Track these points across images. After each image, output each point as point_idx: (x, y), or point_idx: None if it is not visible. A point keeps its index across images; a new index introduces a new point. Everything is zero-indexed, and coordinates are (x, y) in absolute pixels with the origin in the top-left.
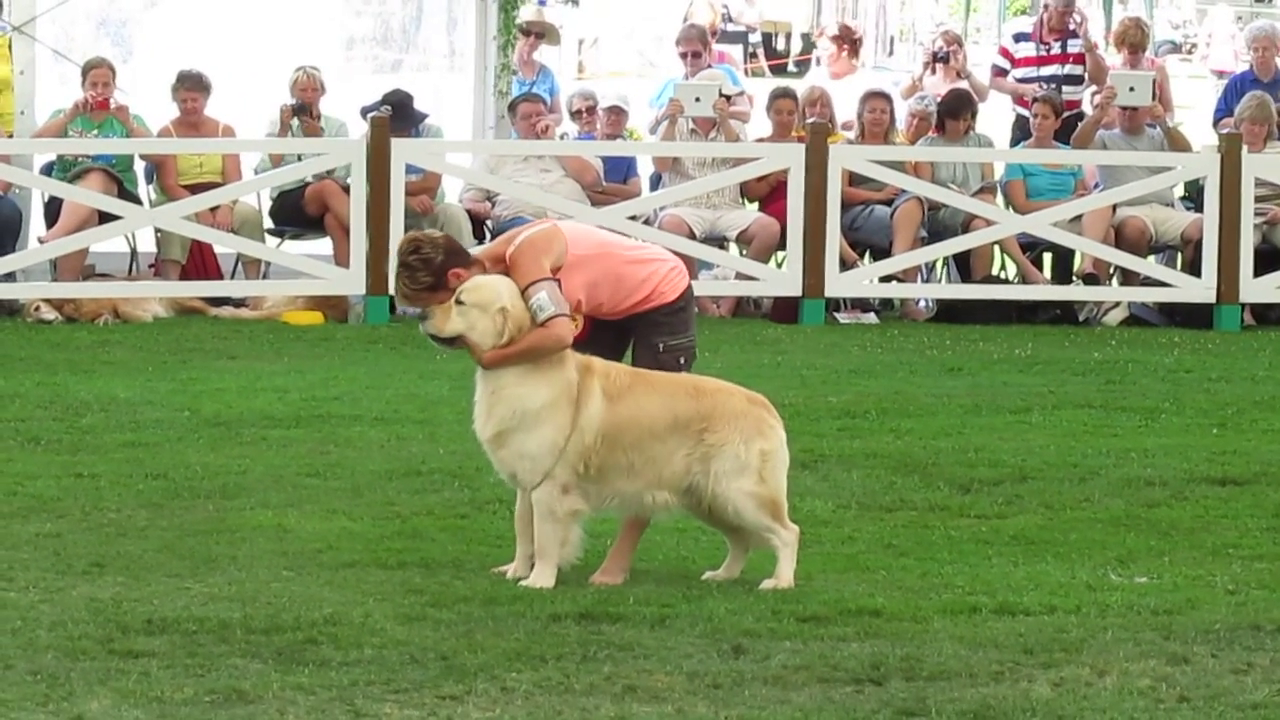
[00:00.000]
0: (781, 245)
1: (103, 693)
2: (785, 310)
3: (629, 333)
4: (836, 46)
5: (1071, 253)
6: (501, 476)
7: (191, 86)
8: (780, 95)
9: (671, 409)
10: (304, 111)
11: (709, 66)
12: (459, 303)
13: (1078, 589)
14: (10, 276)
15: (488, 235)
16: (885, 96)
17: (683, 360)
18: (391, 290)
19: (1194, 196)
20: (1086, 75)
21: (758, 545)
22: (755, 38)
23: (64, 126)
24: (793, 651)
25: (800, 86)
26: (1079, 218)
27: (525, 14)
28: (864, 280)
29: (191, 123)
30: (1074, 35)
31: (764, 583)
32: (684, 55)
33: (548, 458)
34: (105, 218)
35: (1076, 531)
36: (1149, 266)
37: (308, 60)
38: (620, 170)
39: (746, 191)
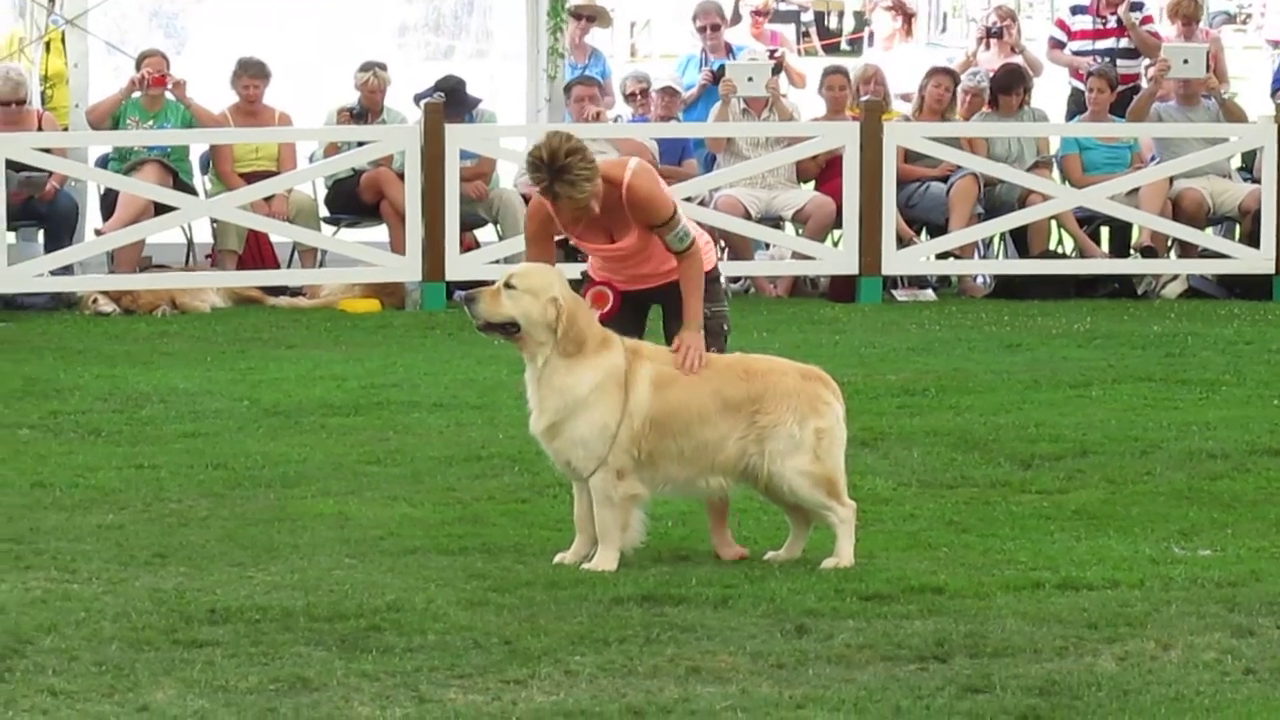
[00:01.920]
0: (837, 224)
1: (168, 683)
2: (842, 289)
3: (645, 309)
4: (891, 17)
5: (1129, 226)
6: (559, 470)
7: (255, 74)
8: (833, 72)
9: (720, 393)
10: (362, 118)
11: (728, 43)
12: (509, 286)
13: (1141, 563)
14: (68, 269)
15: None
16: (950, 73)
17: (726, 327)
18: (445, 274)
19: (1251, 167)
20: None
21: (818, 523)
22: (808, 16)
23: (118, 105)
24: (856, 630)
25: (853, 65)
26: (1136, 191)
27: None
28: (921, 257)
29: (250, 111)
30: (1136, 6)
31: (825, 562)
32: (702, 30)
33: (600, 442)
34: (161, 209)
35: (1139, 505)
36: (1207, 238)
37: (360, 50)
38: (675, 152)
39: (801, 171)
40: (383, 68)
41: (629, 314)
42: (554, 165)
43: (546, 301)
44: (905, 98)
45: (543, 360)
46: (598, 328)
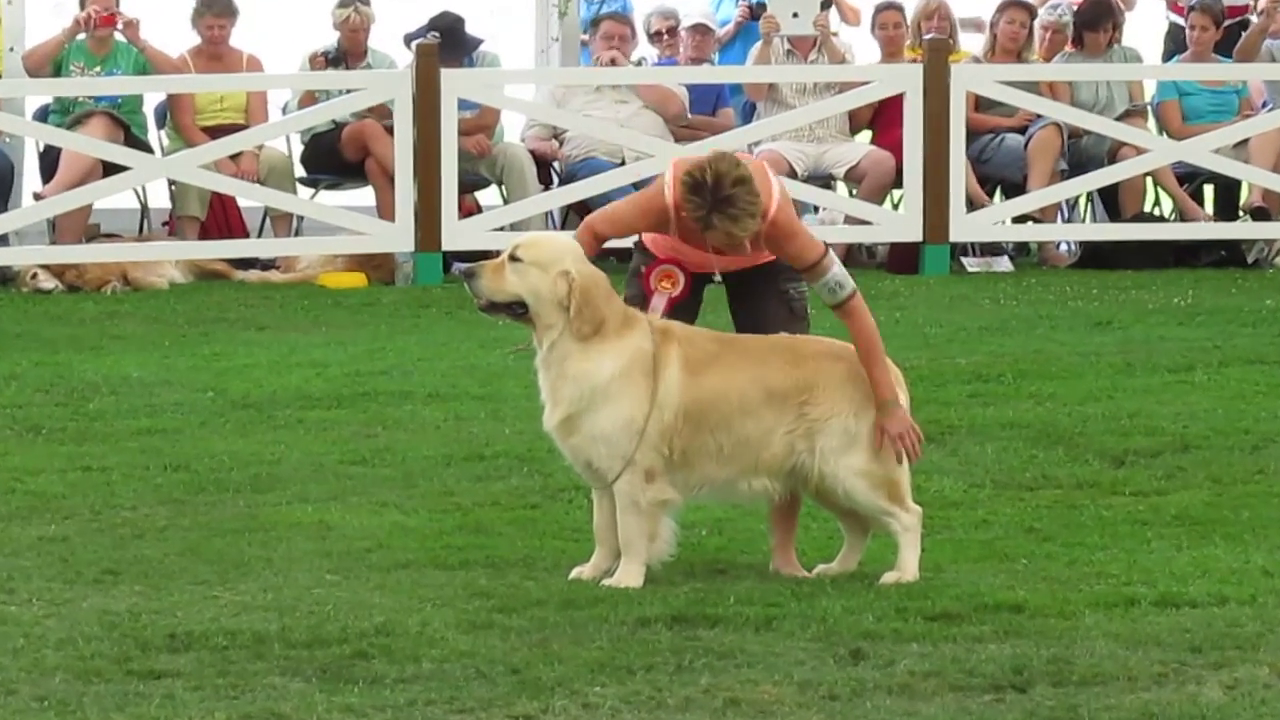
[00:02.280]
0: (898, 183)
1: None
2: (904, 258)
3: (700, 293)
4: None
5: (1237, 184)
6: (576, 471)
7: (220, 12)
8: (885, 8)
9: (764, 380)
10: (340, 63)
11: None
12: (514, 259)
13: (1252, 575)
14: (2, 240)
15: (555, 180)
16: (1026, 7)
17: (807, 306)
18: (452, 253)
19: None
20: None
21: (878, 531)
22: None
23: (60, 48)
24: (921, 655)
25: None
26: (1245, 143)
27: None
28: (995, 221)
29: (214, 54)
30: None
31: (885, 576)
32: None
33: (625, 439)
34: (111, 169)
35: (1249, 509)
36: None
37: None
38: (708, 100)
39: (855, 121)
40: (365, 2)
41: (687, 299)
42: (718, 194)
43: (556, 275)
44: (976, 25)
45: (555, 344)
46: (619, 305)
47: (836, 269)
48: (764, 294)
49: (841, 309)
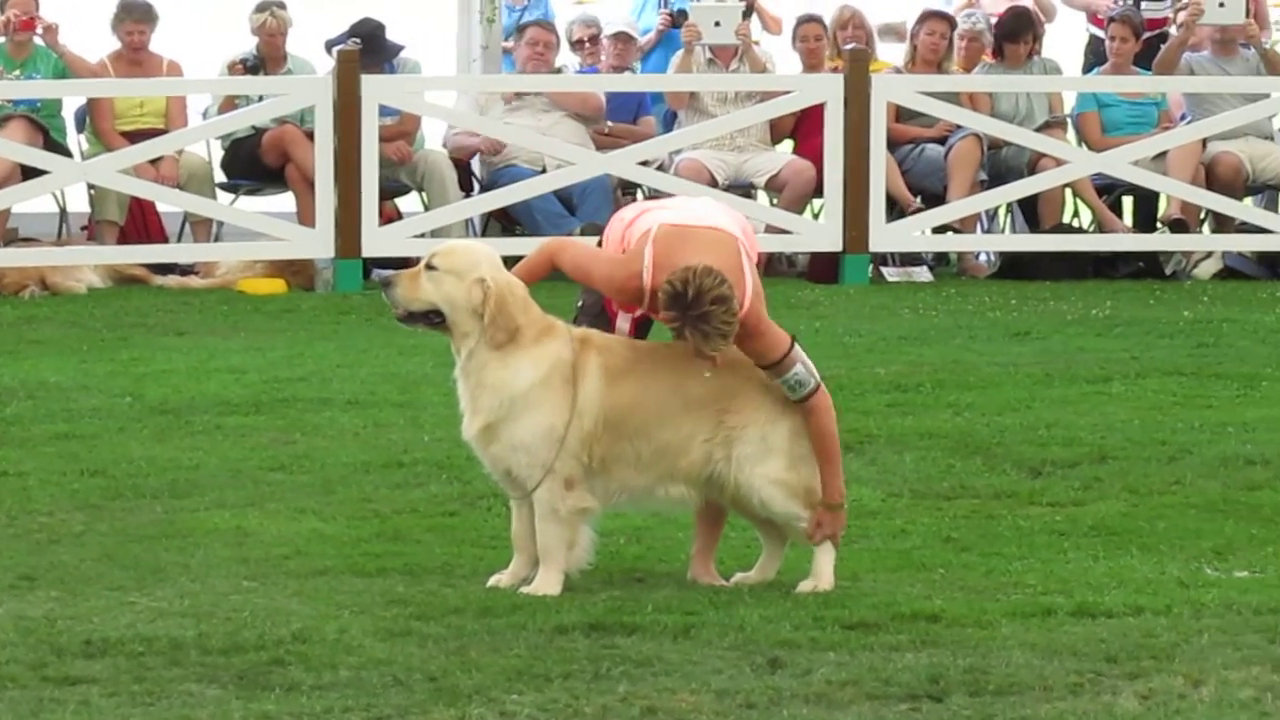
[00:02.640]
0: (818, 192)
1: None
2: (824, 268)
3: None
4: None
5: (1155, 195)
6: (495, 479)
7: (139, 18)
8: (805, 21)
9: (683, 389)
10: (258, 70)
11: None
12: (430, 268)
13: (1168, 586)
14: None
15: (475, 188)
16: (945, 18)
17: None
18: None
19: None
20: None
21: (795, 540)
22: None
23: None
24: (838, 664)
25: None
26: (1163, 155)
27: None
28: (915, 231)
29: (134, 59)
30: None
31: (801, 584)
32: None
33: (545, 447)
34: (29, 173)
35: (1165, 520)
36: (1245, 210)
37: None
38: (630, 108)
39: (776, 131)
40: (281, 6)
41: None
42: (696, 309)
43: (472, 284)
44: (895, 33)
45: (472, 353)
46: (537, 313)
47: (799, 367)
48: None
49: (802, 405)
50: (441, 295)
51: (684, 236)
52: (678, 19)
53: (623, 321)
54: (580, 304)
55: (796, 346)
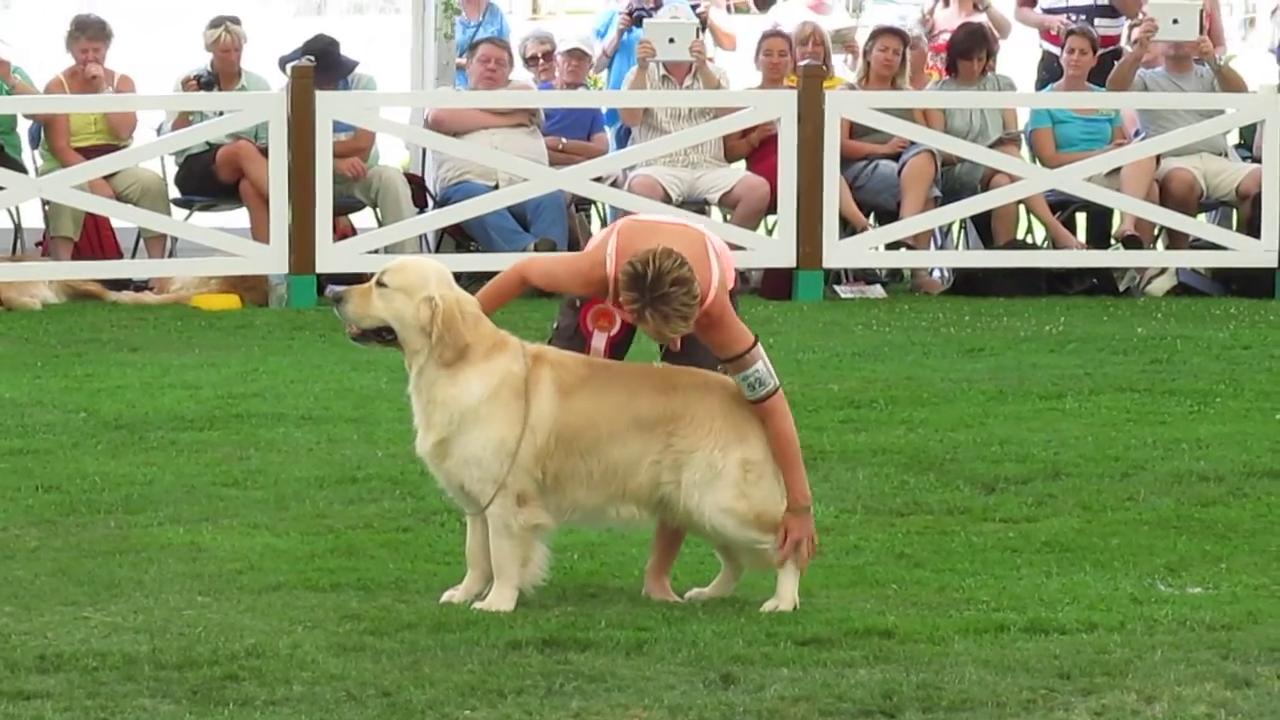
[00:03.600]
0: (772, 209)
1: None
2: (777, 284)
3: (635, 331)
4: None
5: (1109, 212)
6: (449, 495)
7: (93, 35)
8: (771, 35)
9: (632, 408)
10: (212, 86)
11: None
12: (380, 285)
13: (1121, 602)
14: None
15: (430, 203)
16: (899, 34)
17: None
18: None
19: (1250, 144)
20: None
21: (753, 565)
22: None
23: None
24: (791, 680)
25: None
26: (1117, 171)
27: None
28: (868, 247)
29: (88, 76)
30: None
31: (765, 605)
32: None
33: (496, 462)
34: None
35: (1119, 536)
36: (1199, 227)
37: (217, 5)
38: (583, 124)
39: (730, 148)
40: (235, 21)
41: (624, 334)
42: (655, 290)
43: (420, 301)
44: (845, 44)
45: (423, 370)
46: (489, 329)
47: (760, 365)
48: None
49: (760, 406)
50: (391, 312)
51: (649, 228)
52: (636, 16)
53: (598, 342)
54: (555, 325)
55: (759, 346)
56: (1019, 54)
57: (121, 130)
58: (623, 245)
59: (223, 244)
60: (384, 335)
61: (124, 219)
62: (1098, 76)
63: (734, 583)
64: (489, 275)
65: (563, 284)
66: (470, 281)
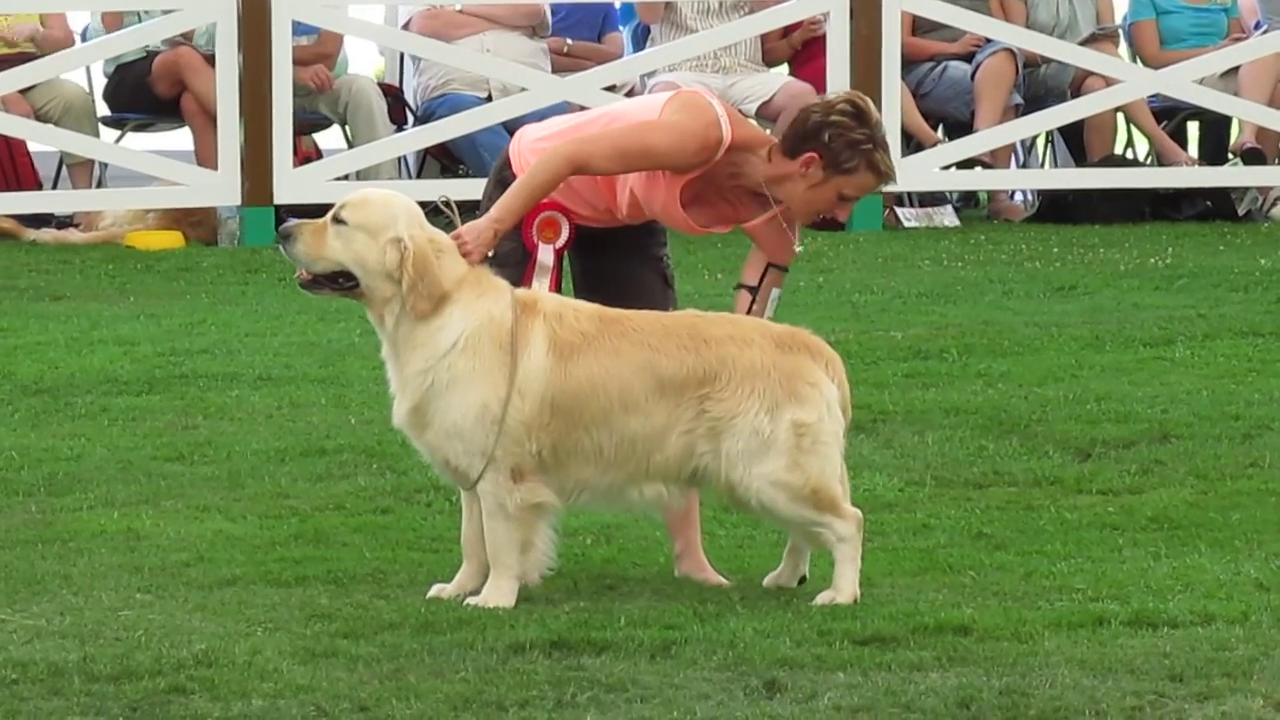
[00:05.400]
0: None
1: None
2: None
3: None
4: None
5: (1226, 121)
6: (438, 473)
7: None
8: None
9: (654, 368)
10: None
11: None
12: (338, 221)
13: (1244, 589)
14: None
15: (409, 118)
16: None
17: (670, 272)
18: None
19: None
20: None
21: (808, 547)
22: None
23: None
24: (849, 687)
25: None
26: (1235, 71)
27: None
28: (937, 166)
29: None
30: None
31: (819, 596)
32: None
33: (480, 430)
34: None
35: (1240, 510)
36: None
37: None
38: (593, 23)
39: (769, 51)
40: None
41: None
42: (880, 132)
43: (386, 243)
44: None
45: (394, 323)
46: (465, 270)
47: (777, 294)
48: (636, 259)
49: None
50: (351, 255)
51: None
52: None
53: (544, 255)
54: (491, 254)
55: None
56: None
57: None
58: (718, 107)
59: (162, 171)
60: (340, 281)
61: (42, 141)
62: None
63: (804, 562)
64: (480, 205)
65: (665, 158)
66: (461, 211)
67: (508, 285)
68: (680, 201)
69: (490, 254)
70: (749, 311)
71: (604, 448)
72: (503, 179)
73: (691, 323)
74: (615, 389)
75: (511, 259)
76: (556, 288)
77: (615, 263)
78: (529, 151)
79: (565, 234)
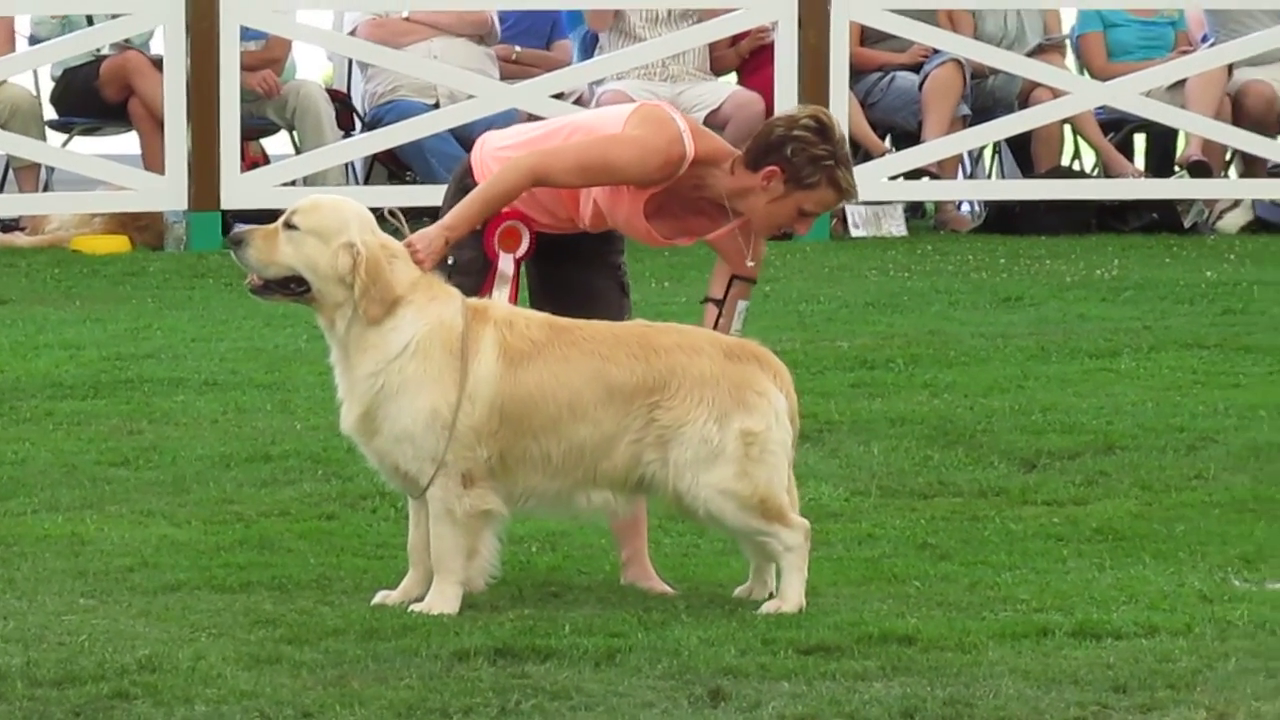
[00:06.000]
0: None
1: None
2: None
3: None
4: None
5: (1172, 133)
6: (387, 480)
7: None
8: None
9: (604, 376)
10: None
11: None
12: (290, 226)
13: (1187, 601)
14: None
15: (358, 126)
16: None
17: (627, 280)
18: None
19: None
20: None
21: (755, 559)
22: None
23: None
24: (793, 696)
25: None
26: (1181, 84)
27: None
28: (884, 177)
29: None
30: None
31: (764, 606)
32: None
33: (431, 435)
34: None
35: (1184, 522)
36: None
37: None
38: (541, 31)
39: (718, 59)
40: None
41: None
42: (842, 149)
43: (339, 248)
44: None
45: (345, 328)
46: (416, 277)
47: (743, 306)
48: (595, 267)
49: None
50: (303, 260)
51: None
52: None
53: (505, 264)
54: (451, 262)
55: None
56: None
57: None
58: (681, 122)
59: (108, 175)
60: (292, 287)
61: None
62: None
63: (772, 575)
64: (427, 211)
65: (620, 178)
66: (408, 218)
67: (458, 292)
68: (644, 214)
69: (450, 262)
70: (715, 324)
71: (552, 455)
72: (464, 186)
73: (641, 332)
74: (565, 396)
75: (472, 267)
76: (516, 297)
77: (574, 270)
78: (491, 159)
79: (526, 243)
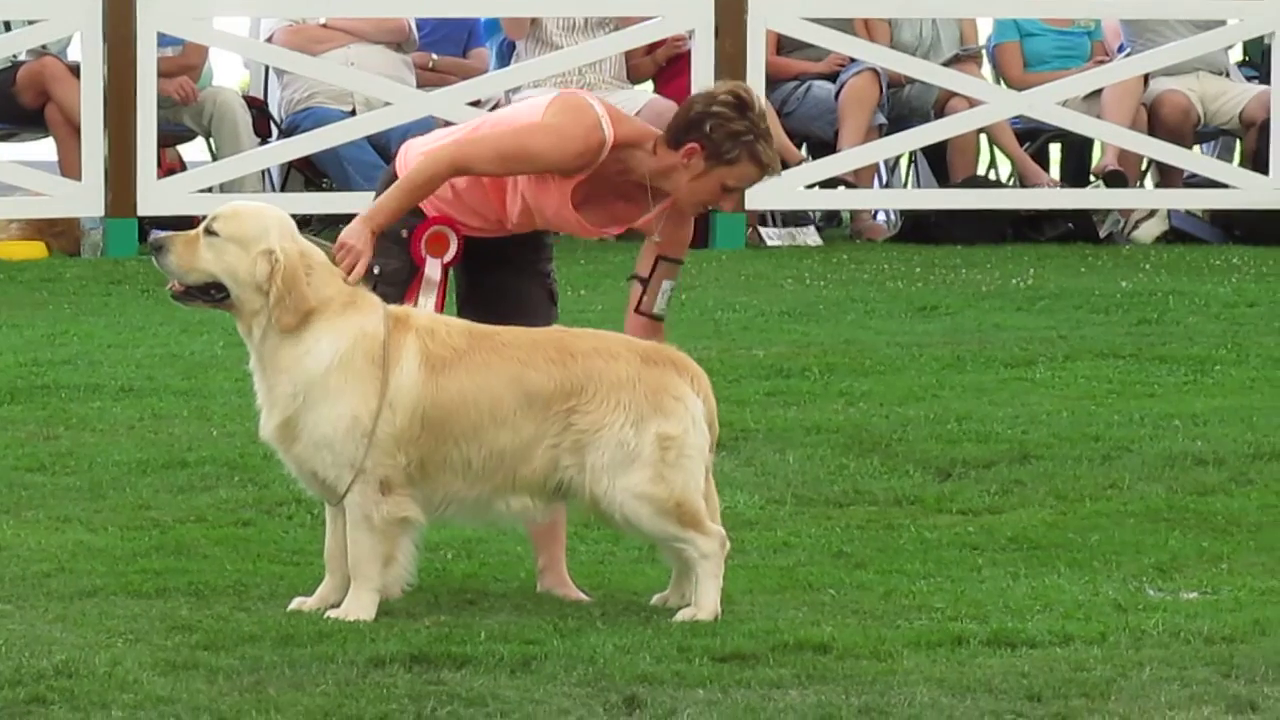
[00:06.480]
0: None
1: None
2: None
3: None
4: None
5: (1088, 143)
6: (305, 487)
7: None
8: None
9: (522, 382)
10: None
11: None
12: (210, 233)
13: (1102, 610)
14: None
15: (274, 132)
16: None
17: (555, 289)
18: (148, 215)
19: (1258, 61)
20: None
21: (672, 563)
22: None
23: None
24: (708, 704)
25: None
26: (1098, 94)
27: None
28: (800, 185)
29: None
30: None
31: (679, 614)
32: None
33: (350, 442)
34: None
35: (1099, 531)
36: (1195, 160)
37: None
38: (458, 39)
39: (634, 68)
40: None
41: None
42: (762, 123)
43: (258, 254)
44: None
45: (262, 336)
46: (338, 288)
47: (669, 285)
48: (524, 274)
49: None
50: (222, 267)
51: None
52: None
53: (432, 270)
54: (378, 270)
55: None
56: None
57: None
58: (599, 108)
59: (25, 180)
60: (212, 293)
61: None
62: None
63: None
64: (344, 217)
65: (540, 165)
66: (323, 226)
67: (380, 301)
68: (572, 203)
69: (376, 271)
70: (639, 302)
71: (472, 461)
72: None
73: (559, 337)
74: (486, 403)
75: (397, 278)
76: (443, 304)
77: (504, 278)
78: (415, 162)
79: (454, 249)
